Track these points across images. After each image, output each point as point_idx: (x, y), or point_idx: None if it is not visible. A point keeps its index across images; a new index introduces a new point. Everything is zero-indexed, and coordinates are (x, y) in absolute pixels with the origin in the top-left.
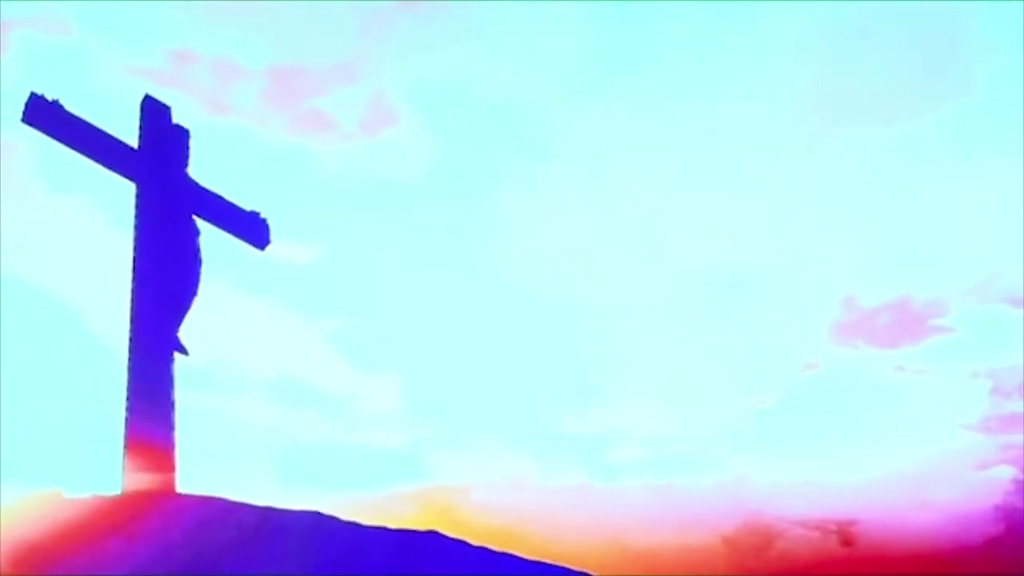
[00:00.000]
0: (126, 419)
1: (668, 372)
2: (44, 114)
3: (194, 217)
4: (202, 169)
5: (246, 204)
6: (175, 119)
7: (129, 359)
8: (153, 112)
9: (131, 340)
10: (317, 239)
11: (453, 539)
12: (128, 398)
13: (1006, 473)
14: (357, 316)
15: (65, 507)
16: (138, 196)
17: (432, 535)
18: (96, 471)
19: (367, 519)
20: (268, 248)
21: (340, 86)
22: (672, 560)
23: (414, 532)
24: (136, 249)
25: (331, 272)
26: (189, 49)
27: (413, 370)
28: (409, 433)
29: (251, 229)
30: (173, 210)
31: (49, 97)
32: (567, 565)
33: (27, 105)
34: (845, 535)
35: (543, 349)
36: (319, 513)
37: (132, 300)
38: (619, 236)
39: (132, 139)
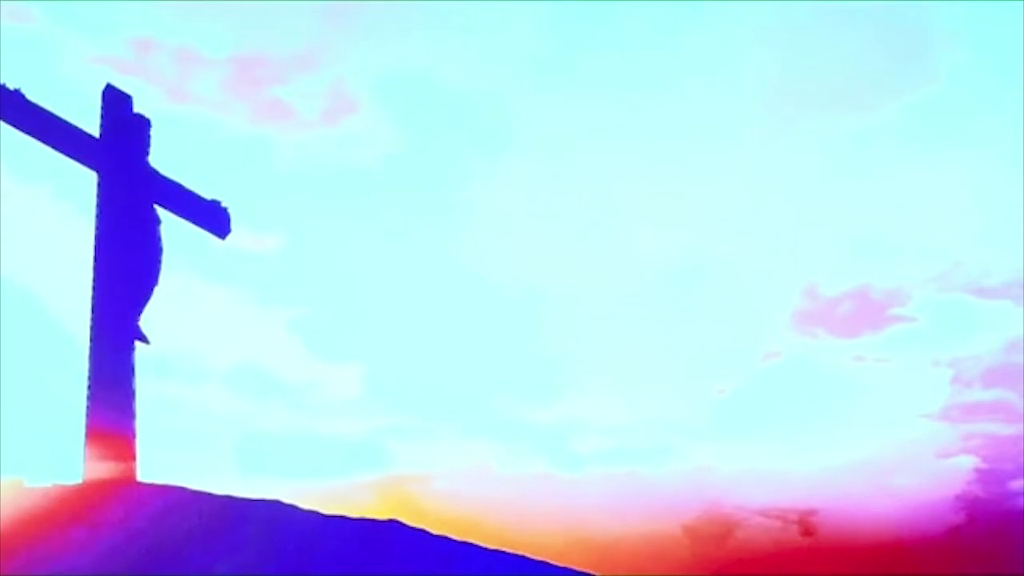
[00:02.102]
0: (87, 408)
1: (630, 361)
2: (5, 103)
3: (155, 206)
4: (163, 158)
5: (207, 193)
6: (136, 108)
7: (90, 348)
8: (114, 101)
9: (92, 329)
10: (278, 228)
11: (414, 528)
12: (89, 387)
13: (967, 462)
14: (319, 305)
15: (26, 496)
16: (99, 185)
17: (393, 524)
18: (57, 460)
19: (328, 508)
20: (229, 237)
21: (301, 75)
22: (633, 549)
23: (375, 521)
24: (97, 238)
25: (292, 261)
26: (151, 38)
27: (375, 359)
28: (371, 422)
29: (212, 217)
30: (134, 199)
31: (10, 86)
32: (528, 554)
33: None
34: (805, 524)
35: (505, 338)
36: (279, 502)
37: (93, 289)
38: (581, 225)
39: (94, 128)
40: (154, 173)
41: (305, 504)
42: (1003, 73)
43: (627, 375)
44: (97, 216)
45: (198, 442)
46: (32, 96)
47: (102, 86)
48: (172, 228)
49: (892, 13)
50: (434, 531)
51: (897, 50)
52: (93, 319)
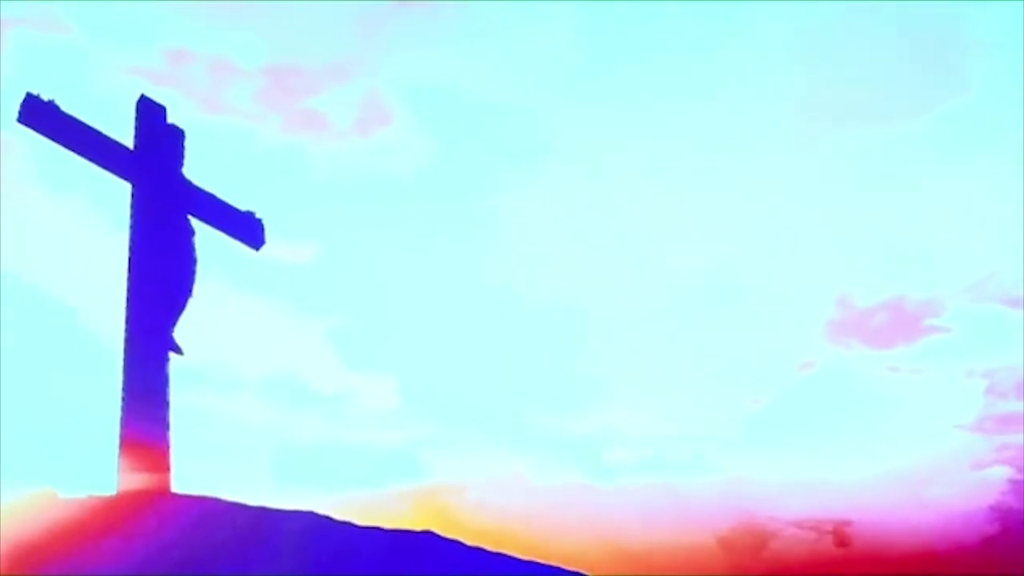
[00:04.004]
0: (121, 419)
1: (664, 372)
2: (40, 114)
3: (189, 217)
4: (197, 169)
5: (241, 204)
6: (171, 119)
7: (124, 359)
8: (149, 112)
9: (126, 340)
10: (312, 238)
11: (448, 539)
12: (123, 398)
13: (1002, 473)
14: (352, 315)
15: (60, 507)
16: (134, 196)
17: (427, 535)
18: (92, 471)
19: (362, 519)
20: (263, 248)
21: (335, 86)
22: (668, 560)
23: (409, 532)
24: (132, 249)
25: (326, 271)
26: (186, 49)
27: (409, 369)
28: (405, 432)
29: (246, 229)
30: (168, 210)
31: (45, 97)
32: (563, 565)
33: (23, 105)
34: (840, 535)
35: (539, 348)
36: (314, 513)
37: (128, 299)
38: (615, 236)
39: (128, 139)
40: (188, 184)
41: (340, 515)
42: None
43: (661, 386)
44: (131, 227)
45: (232, 453)
46: (66, 107)
47: (136, 97)
48: (206, 238)
49: (923, 22)
50: (469, 542)
51: (929, 59)
52: (127, 330)
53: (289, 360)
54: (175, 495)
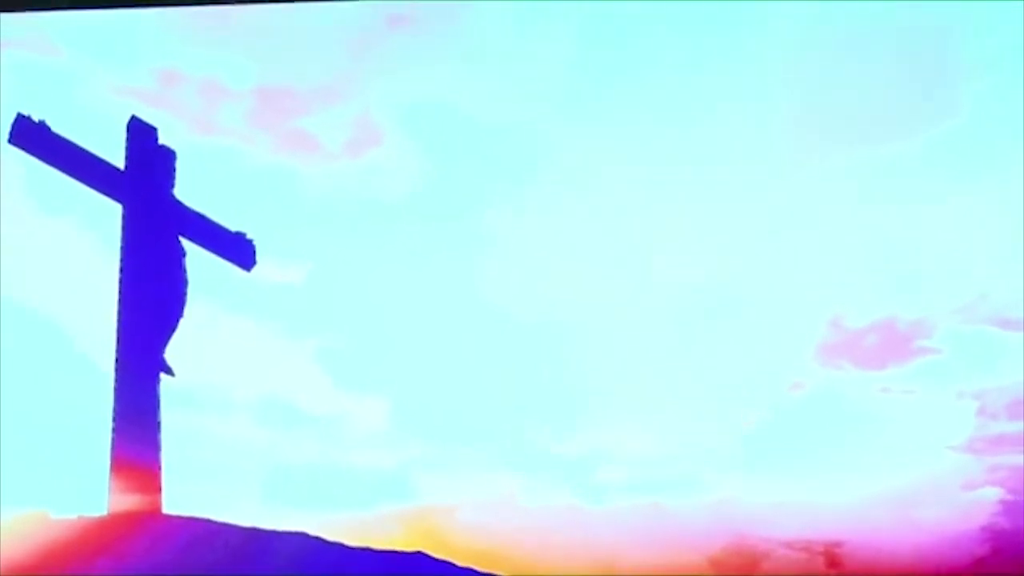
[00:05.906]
0: (112, 440)
1: (654, 392)
2: (31, 136)
3: (180, 238)
4: (188, 190)
5: (232, 224)
6: (161, 140)
7: (115, 379)
8: (139, 133)
9: (117, 360)
10: (303, 259)
11: (439, 560)
12: (114, 419)
13: (993, 494)
14: (343, 336)
15: (51, 528)
16: (124, 217)
17: (418, 556)
18: (82, 492)
19: (353, 540)
20: (253, 269)
21: (325, 107)
22: None
23: (400, 553)
24: (122, 270)
25: (317, 292)
26: (176, 70)
27: (400, 390)
28: (395, 453)
29: (237, 250)
30: (159, 231)
31: (35, 119)
32: None
33: (14, 127)
34: (831, 557)
35: (530, 369)
36: (305, 534)
37: (118, 320)
38: (606, 255)
39: (119, 160)
40: (179, 205)
41: (330, 536)
42: None
43: (652, 406)
44: (122, 248)
45: (223, 474)
46: (57, 128)
47: (127, 118)
48: (196, 259)
49: (916, 43)
50: (460, 563)
51: (921, 80)
52: (118, 351)
53: (279, 381)
54: (166, 516)
